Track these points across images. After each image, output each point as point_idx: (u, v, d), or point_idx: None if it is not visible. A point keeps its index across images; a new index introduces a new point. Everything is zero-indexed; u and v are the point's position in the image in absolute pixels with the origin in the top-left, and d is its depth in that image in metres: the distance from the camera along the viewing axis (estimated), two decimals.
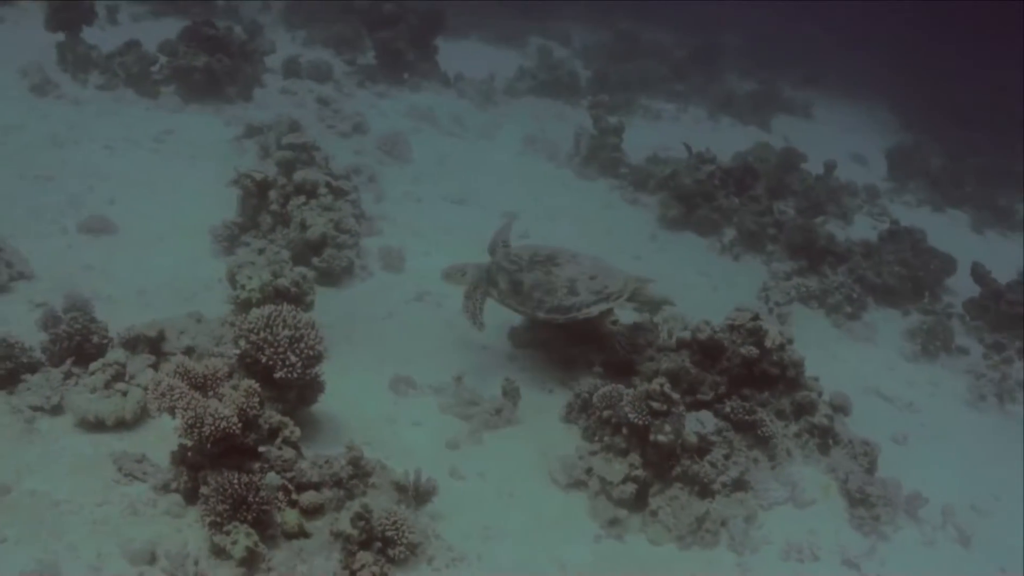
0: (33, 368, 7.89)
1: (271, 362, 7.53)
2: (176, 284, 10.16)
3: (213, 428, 6.47)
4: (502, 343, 10.31)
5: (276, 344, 7.53)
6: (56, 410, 7.66)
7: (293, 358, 7.54)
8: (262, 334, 7.54)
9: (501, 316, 10.10)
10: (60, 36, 15.79)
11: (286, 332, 7.56)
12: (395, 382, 9.13)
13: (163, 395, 6.56)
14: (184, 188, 12.38)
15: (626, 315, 10.64)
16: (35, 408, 7.62)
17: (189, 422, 6.48)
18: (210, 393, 6.79)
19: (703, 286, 13.36)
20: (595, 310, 9.40)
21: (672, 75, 25.03)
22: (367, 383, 9.08)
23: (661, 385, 8.03)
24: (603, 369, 9.77)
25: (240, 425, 6.62)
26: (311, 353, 7.63)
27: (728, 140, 19.90)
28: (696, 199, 15.14)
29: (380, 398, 8.98)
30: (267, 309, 7.68)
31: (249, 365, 7.65)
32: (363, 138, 15.76)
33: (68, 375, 7.96)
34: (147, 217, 11.39)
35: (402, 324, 10.43)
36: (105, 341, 8.23)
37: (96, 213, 10.95)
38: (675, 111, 23.34)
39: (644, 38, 27.82)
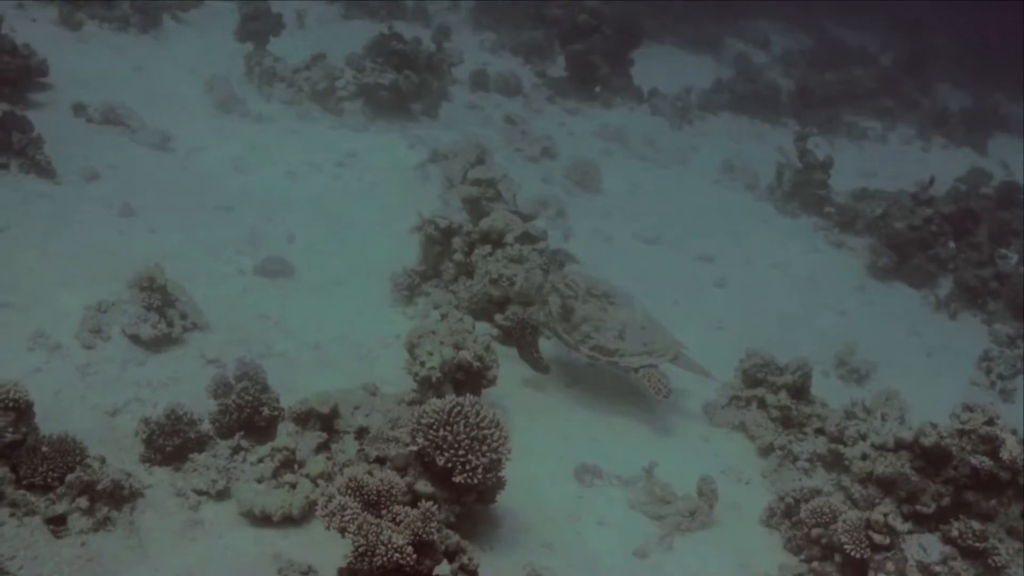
0: (201, 444, 7.43)
1: (450, 464, 6.85)
2: (352, 338, 9.63)
3: (385, 560, 5.82)
4: (696, 422, 9.49)
5: (456, 445, 6.83)
6: (222, 494, 7.17)
7: (475, 461, 6.84)
8: (441, 432, 6.85)
9: (694, 390, 9.55)
10: (248, 45, 15.54)
11: (468, 432, 6.86)
12: (580, 471, 8.36)
13: (333, 515, 5.96)
14: (364, 222, 11.88)
15: (833, 392, 9.68)
16: (200, 492, 7.17)
17: (360, 550, 5.84)
18: (384, 512, 6.16)
19: (915, 349, 12.20)
20: (637, 362, 9.07)
21: (879, 88, 23.39)
22: (550, 469, 8.35)
23: (885, 516, 7.08)
24: (808, 463, 8.85)
25: (415, 556, 5.95)
26: (495, 457, 6.91)
27: (940, 165, 18.64)
28: (910, 247, 13.83)
29: (563, 488, 8.22)
30: (448, 403, 6.96)
31: (426, 464, 7.00)
32: (552, 163, 15.04)
33: (236, 450, 7.51)
34: (325, 256, 10.93)
35: (587, 394, 9.63)
36: (275, 413, 7.74)
37: (273, 253, 10.50)
38: (882, 129, 21.93)
39: (847, 42, 26.29)
